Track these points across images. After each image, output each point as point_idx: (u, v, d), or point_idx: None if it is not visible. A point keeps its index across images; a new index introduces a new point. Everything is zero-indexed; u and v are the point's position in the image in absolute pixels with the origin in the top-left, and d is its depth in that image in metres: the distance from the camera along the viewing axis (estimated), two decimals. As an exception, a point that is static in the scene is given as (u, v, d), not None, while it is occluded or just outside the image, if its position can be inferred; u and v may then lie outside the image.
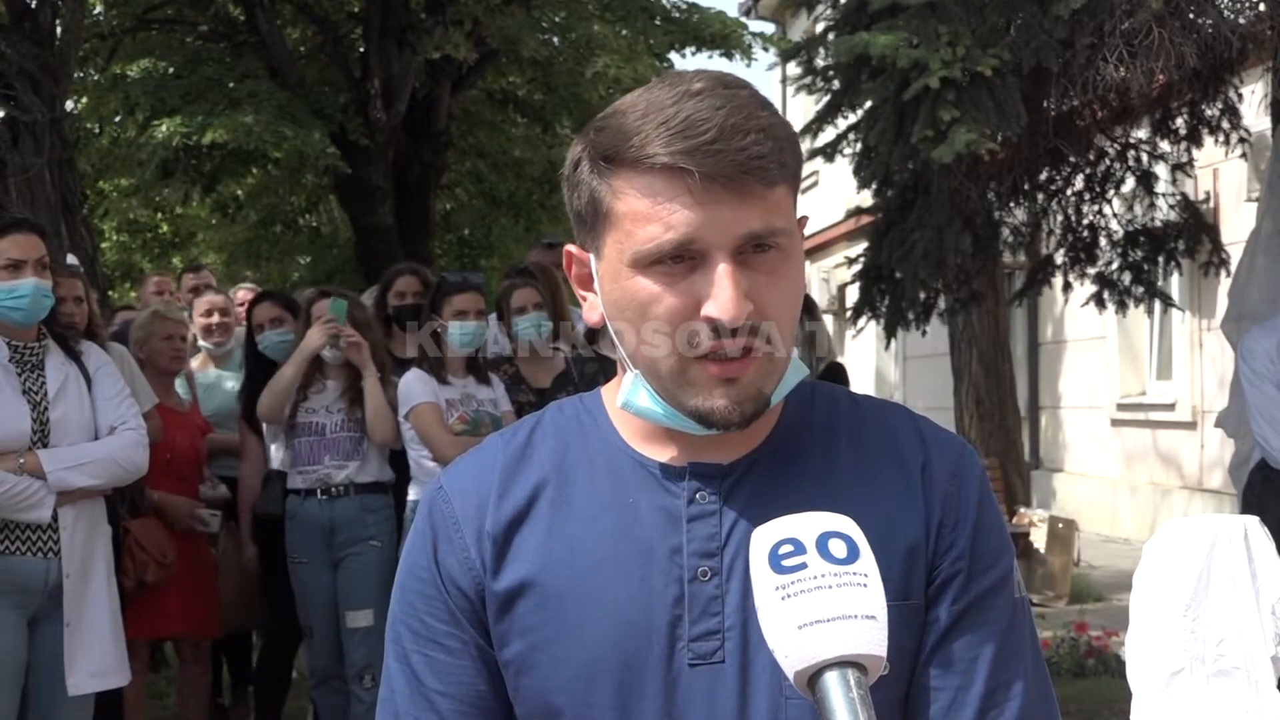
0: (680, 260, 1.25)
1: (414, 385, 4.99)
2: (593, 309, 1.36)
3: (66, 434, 3.94)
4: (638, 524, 1.32)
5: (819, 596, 1.11)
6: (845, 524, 1.16)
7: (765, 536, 1.16)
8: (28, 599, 3.84)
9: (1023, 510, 9.93)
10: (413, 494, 5.01)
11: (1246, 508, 5.47)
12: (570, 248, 1.38)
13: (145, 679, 5.49)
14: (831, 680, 1.09)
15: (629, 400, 1.34)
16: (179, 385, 5.85)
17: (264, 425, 5.36)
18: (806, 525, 1.15)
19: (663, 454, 1.35)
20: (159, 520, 5.07)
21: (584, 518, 1.34)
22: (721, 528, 1.31)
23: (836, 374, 6.54)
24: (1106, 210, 8.35)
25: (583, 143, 1.32)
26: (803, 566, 1.12)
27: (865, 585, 1.12)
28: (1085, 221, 8.39)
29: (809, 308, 6.73)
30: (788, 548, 1.14)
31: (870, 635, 1.10)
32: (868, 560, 1.14)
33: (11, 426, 3.82)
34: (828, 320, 19.08)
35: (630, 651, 1.30)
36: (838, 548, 1.14)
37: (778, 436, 1.36)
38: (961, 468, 1.37)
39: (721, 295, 1.24)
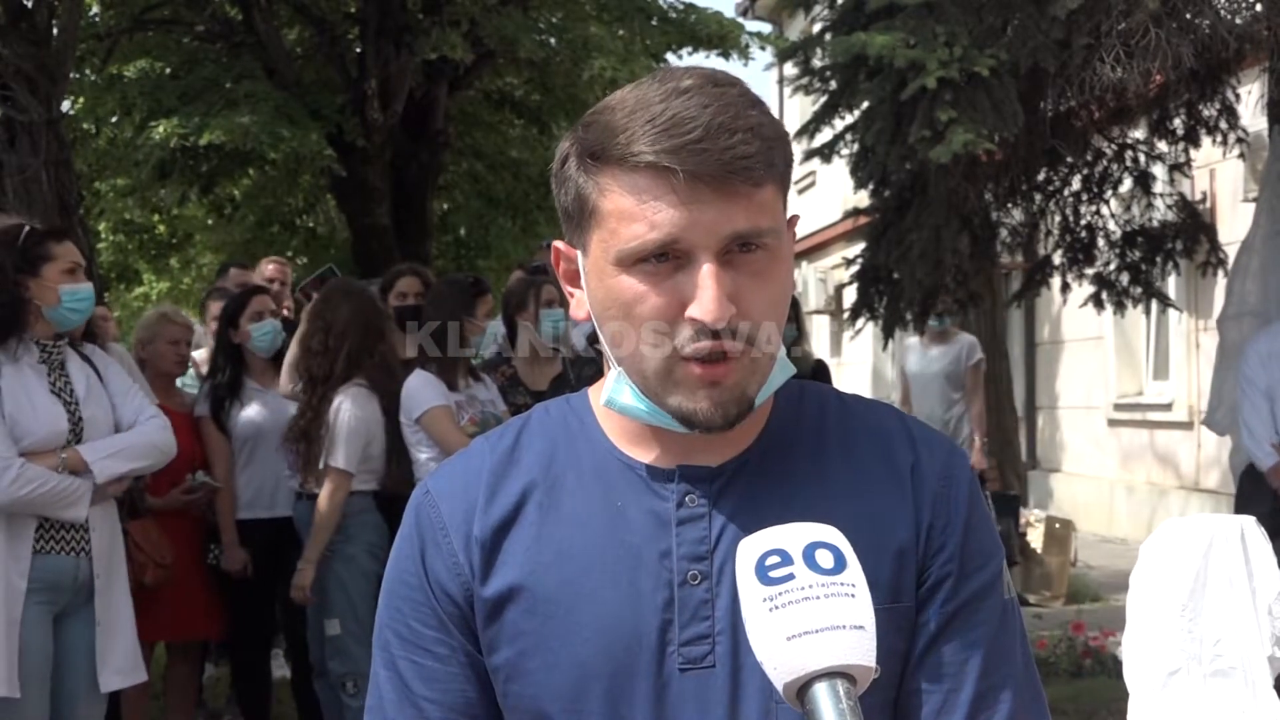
0: (664, 259, 1.25)
1: (424, 389, 4.90)
2: (579, 306, 1.35)
3: (96, 432, 4.03)
4: (626, 528, 1.32)
5: (807, 607, 1.10)
6: (832, 534, 1.15)
7: (752, 547, 1.15)
8: (57, 596, 3.92)
9: (1020, 510, 9.93)
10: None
11: (1237, 509, 5.55)
12: (558, 244, 1.37)
13: (149, 681, 5.49)
14: (821, 691, 1.08)
15: (612, 398, 1.33)
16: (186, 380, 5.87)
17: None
18: (793, 536, 1.15)
19: (651, 456, 1.34)
20: (157, 522, 5.07)
21: (572, 522, 1.33)
22: (711, 531, 1.30)
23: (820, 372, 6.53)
24: (1104, 210, 8.35)
25: (571, 139, 1.32)
26: (790, 577, 1.12)
27: (853, 595, 1.11)
28: (1083, 222, 8.38)
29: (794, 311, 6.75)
30: (775, 559, 1.13)
31: (859, 645, 1.09)
32: (855, 570, 1.13)
33: (50, 425, 3.89)
34: (825, 320, 19.09)
35: (620, 657, 1.29)
36: (825, 558, 1.13)
37: (767, 438, 1.36)
38: (951, 468, 1.36)
39: (705, 296, 1.23)
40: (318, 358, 5.02)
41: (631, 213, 1.24)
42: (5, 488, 3.75)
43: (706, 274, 1.23)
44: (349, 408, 4.94)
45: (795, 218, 1.34)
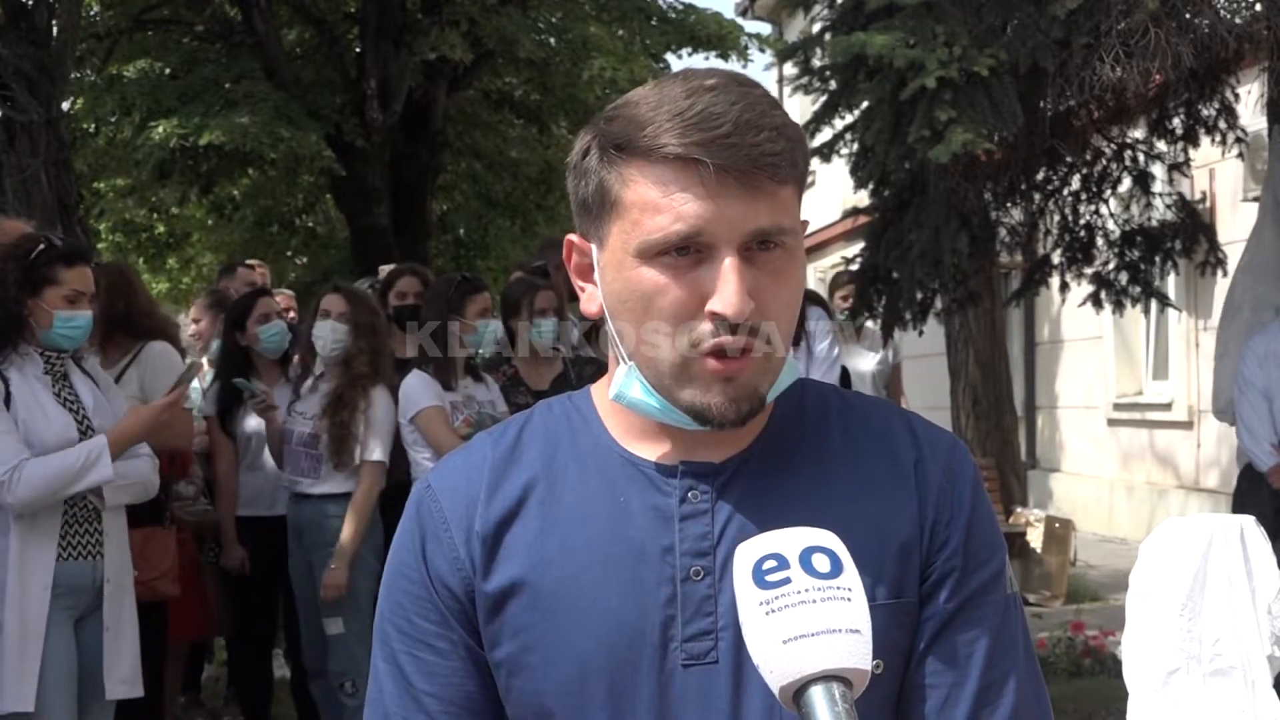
0: (686, 253, 1.25)
1: (418, 389, 4.92)
2: (591, 300, 1.35)
3: None
4: (629, 523, 1.32)
5: (803, 611, 1.10)
6: (828, 538, 1.16)
7: (749, 552, 1.15)
8: (79, 599, 3.95)
9: (1019, 510, 9.93)
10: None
11: (1235, 507, 5.57)
12: (572, 237, 1.37)
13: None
14: (817, 695, 1.08)
15: (621, 392, 1.32)
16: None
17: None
18: (790, 540, 1.15)
19: (654, 452, 1.34)
20: (145, 533, 5.06)
21: (575, 517, 1.33)
22: (714, 527, 1.31)
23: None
24: (1103, 210, 8.34)
25: (592, 131, 1.32)
26: (786, 581, 1.12)
27: (849, 599, 1.12)
28: (1082, 221, 8.37)
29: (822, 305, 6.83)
30: (771, 563, 1.13)
31: (855, 649, 1.10)
32: (851, 574, 1.14)
33: (62, 433, 3.92)
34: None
35: (622, 653, 1.29)
36: (821, 562, 1.13)
37: (770, 435, 1.36)
38: (954, 464, 1.36)
39: (727, 290, 1.23)
40: (381, 354, 5.17)
41: (656, 204, 1.25)
42: (16, 490, 3.75)
43: (729, 268, 1.24)
44: (384, 404, 5.05)
45: (805, 222, 1.35)
